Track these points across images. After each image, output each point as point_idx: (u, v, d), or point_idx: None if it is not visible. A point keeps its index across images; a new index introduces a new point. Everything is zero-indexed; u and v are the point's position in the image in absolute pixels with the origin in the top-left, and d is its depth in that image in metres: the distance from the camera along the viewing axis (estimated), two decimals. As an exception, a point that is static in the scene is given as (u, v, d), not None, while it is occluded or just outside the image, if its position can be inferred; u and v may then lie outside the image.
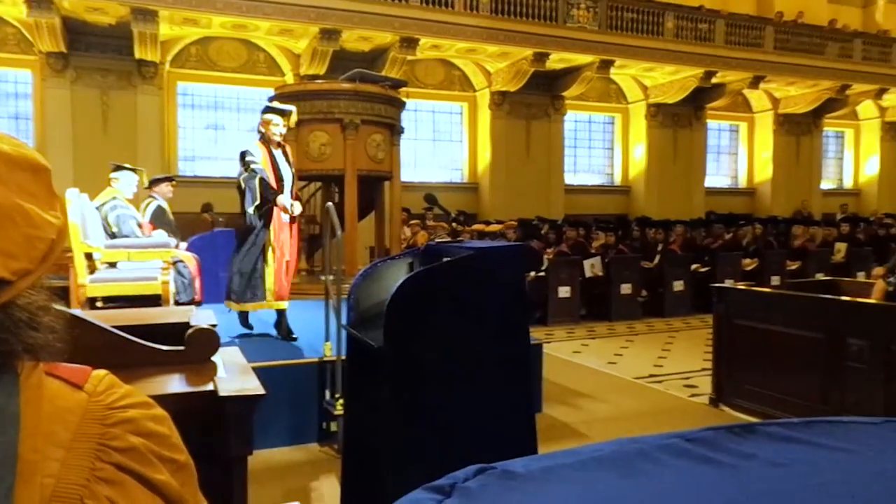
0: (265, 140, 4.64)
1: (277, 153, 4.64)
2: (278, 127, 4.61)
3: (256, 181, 4.41)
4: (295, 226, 4.74)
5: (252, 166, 4.47)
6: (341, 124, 7.84)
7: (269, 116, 4.63)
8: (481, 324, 2.34)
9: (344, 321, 2.76)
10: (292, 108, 4.92)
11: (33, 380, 0.59)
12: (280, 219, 4.56)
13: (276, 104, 4.90)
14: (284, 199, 4.46)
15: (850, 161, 20.23)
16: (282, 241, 4.58)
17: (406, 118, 9.12)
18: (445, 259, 2.40)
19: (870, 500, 0.65)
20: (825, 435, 0.78)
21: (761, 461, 0.71)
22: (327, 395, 4.01)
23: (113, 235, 5.23)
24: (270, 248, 4.53)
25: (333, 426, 3.93)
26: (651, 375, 5.96)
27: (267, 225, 4.50)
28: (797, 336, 4.28)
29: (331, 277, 4.11)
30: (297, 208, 4.57)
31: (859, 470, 0.70)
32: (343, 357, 3.62)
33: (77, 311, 1.57)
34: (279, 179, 4.54)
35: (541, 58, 13.19)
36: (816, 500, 0.64)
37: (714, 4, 15.70)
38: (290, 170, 4.70)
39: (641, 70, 15.08)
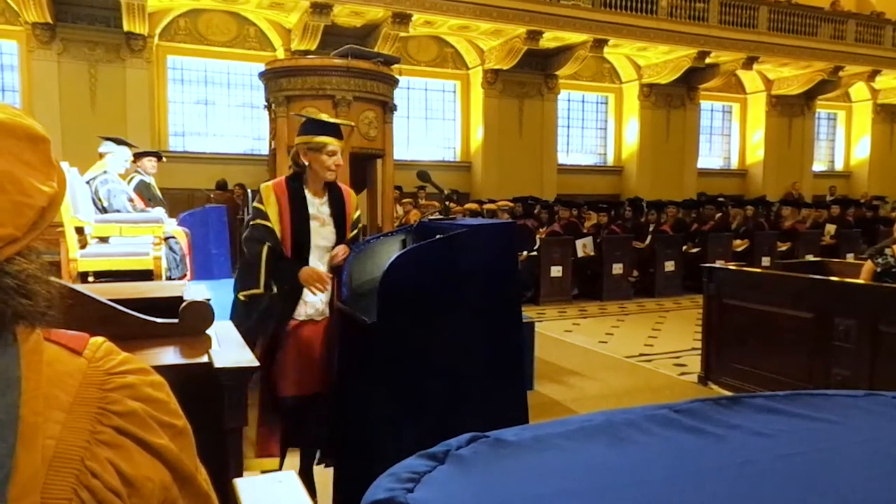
0: (297, 176, 2.70)
1: (317, 201, 2.69)
2: (333, 157, 2.63)
3: (257, 251, 2.60)
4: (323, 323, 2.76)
5: (253, 222, 2.66)
6: (333, 101, 7.75)
7: (318, 140, 2.61)
8: (474, 300, 2.35)
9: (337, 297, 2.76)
10: (350, 123, 3.05)
11: (32, 345, 0.60)
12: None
13: (323, 116, 3.02)
14: (307, 269, 2.61)
15: (842, 143, 20.26)
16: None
17: (398, 95, 9.01)
18: (438, 236, 2.40)
19: (849, 468, 0.67)
20: (808, 407, 0.80)
21: (746, 431, 0.73)
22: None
23: (103, 210, 5.19)
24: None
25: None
26: (641, 354, 6.02)
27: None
28: (786, 315, 4.32)
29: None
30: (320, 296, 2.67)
31: (839, 439, 0.72)
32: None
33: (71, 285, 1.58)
34: (295, 244, 2.64)
35: (534, 36, 13.08)
36: (797, 467, 0.66)
37: (709, -17, 15.62)
38: (332, 231, 2.71)
39: (635, 49, 14.98)
